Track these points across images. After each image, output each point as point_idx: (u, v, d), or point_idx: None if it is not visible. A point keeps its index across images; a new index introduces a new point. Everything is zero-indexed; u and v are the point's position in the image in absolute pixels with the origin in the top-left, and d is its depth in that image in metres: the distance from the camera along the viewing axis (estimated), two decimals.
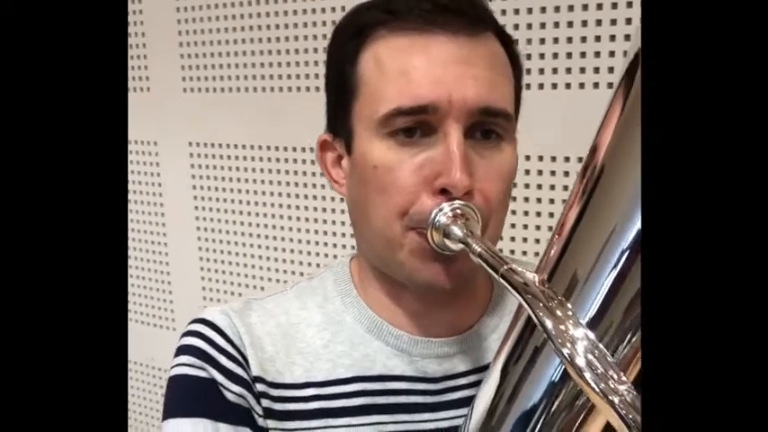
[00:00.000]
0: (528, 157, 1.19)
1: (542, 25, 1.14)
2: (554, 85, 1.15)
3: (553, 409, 0.48)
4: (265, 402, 0.63)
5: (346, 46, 0.62)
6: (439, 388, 0.66)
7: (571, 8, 1.10)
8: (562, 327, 0.44)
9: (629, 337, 0.45)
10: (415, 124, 0.58)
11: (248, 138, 1.51)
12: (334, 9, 1.35)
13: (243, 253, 1.57)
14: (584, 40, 1.11)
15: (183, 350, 0.64)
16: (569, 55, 1.13)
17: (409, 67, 0.58)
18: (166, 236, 1.67)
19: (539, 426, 0.48)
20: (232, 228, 1.58)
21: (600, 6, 1.08)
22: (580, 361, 0.43)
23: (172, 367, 0.64)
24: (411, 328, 0.66)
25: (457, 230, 0.55)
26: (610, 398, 0.42)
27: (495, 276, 0.50)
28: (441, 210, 0.56)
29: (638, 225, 0.43)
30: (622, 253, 0.44)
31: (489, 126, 0.59)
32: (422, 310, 0.66)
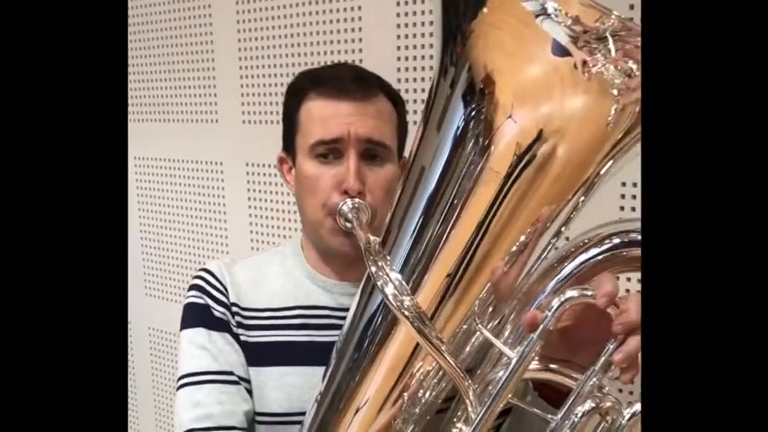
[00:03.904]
0: None
1: None
2: None
3: (380, 319, 0.79)
4: (238, 318, 1.00)
5: (292, 99, 0.98)
6: None
7: None
8: (380, 272, 0.73)
9: (419, 275, 0.76)
10: (329, 151, 0.93)
11: None
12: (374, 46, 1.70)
13: None
14: None
15: (191, 287, 1.02)
16: None
17: (326, 116, 0.93)
18: (227, 238, 2.06)
19: (375, 326, 0.80)
20: (281, 232, 1.94)
21: None
22: (389, 290, 0.71)
23: (185, 299, 1.01)
24: (334, 276, 1.02)
25: (349, 216, 0.89)
26: (403, 312, 0.70)
27: (360, 243, 0.83)
28: (344, 203, 0.91)
29: (420, 209, 0.75)
30: (410, 224, 0.76)
31: (375, 152, 0.93)
32: (341, 265, 1.00)
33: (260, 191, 1.94)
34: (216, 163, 2.02)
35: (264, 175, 1.92)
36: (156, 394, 2.32)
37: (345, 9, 1.70)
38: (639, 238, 0.78)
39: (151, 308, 2.26)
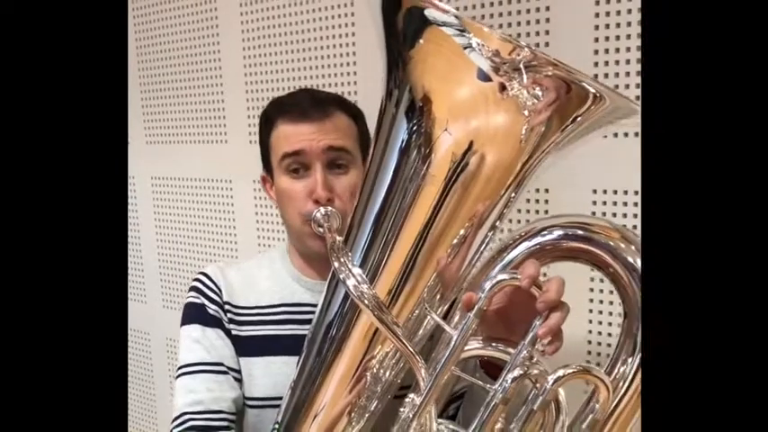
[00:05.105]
0: None
1: None
2: None
3: (343, 309, 0.91)
4: (230, 315, 1.13)
5: (264, 126, 1.12)
6: None
7: None
8: (343, 267, 0.85)
9: (376, 268, 0.88)
10: (297, 164, 1.06)
11: None
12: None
13: None
14: None
15: (190, 289, 1.15)
16: None
17: (290, 136, 1.07)
18: (237, 251, 2.19)
19: (340, 314, 0.91)
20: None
21: None
22: (350, 283, 0.84)
23: (186, 298, 1.14)
24: (316, 276, 1.14)
25: (321, 221, 1.02)
26: (363, 300, 0.83)
27: (327, 243, 0.95)
28: (318, 211, 1.03)
29: (375, 211, 0.88)
30: (367, 225, 0.88)
31: (339, 160, 1.06)
32: (321, 266, 1.12)
33: (267, 206, 2.07)
34: (225, 181, 2.16)
35: None
36: None
37: (341, 36, 1.85)
38: (574, 232, 0.90)
39: (169, 319, 2.40)
